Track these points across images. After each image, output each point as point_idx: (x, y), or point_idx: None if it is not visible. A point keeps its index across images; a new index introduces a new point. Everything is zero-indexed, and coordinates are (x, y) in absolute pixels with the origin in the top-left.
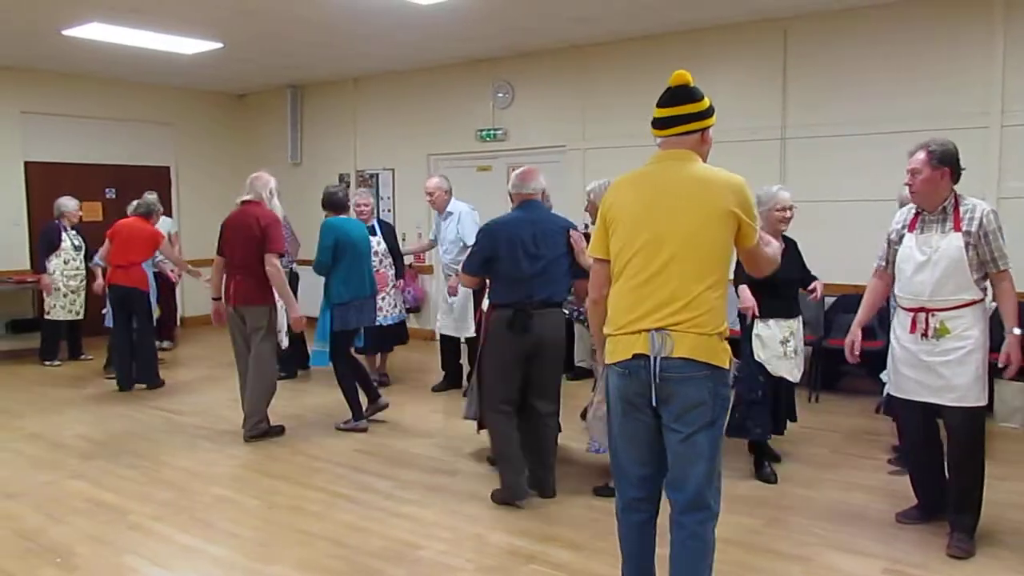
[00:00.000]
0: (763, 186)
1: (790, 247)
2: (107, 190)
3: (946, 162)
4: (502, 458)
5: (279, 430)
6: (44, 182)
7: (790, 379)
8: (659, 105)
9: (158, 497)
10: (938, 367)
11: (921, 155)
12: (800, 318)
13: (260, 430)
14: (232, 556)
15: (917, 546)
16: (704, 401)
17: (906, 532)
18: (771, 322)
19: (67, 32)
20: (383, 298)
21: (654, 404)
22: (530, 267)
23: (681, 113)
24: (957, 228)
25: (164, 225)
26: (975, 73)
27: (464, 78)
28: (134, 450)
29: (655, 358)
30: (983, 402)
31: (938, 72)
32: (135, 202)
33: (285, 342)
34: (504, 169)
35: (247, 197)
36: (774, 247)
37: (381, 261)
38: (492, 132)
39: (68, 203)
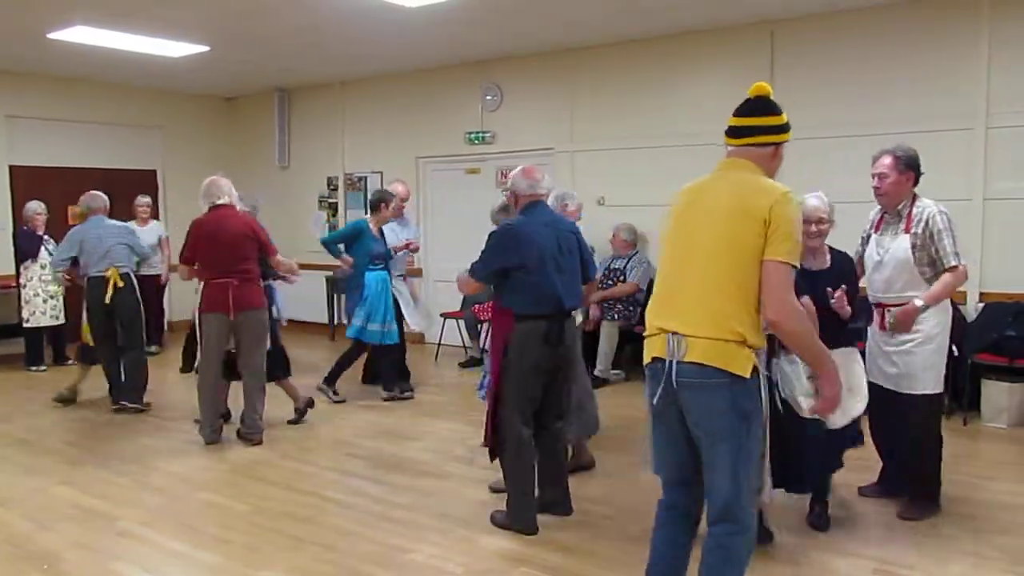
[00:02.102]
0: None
1: (836, 265)
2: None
3: (911, 167)
4: (521, 492)
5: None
6: (29, 186)
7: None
8: (735, 114)
9: (147, 503)
10: (893, 356)
11: (888, 160)
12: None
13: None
14: (222, 561)
15: (908, 547)
16: (722, 411)
17: (897, 533)
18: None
19: (52, 35)
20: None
21: (676, 407)
22: (559, 276)
23: (755, 124)
24: (907, 230)
25: (154, 230)
26: (961, 75)
27: (452, 81)
28: (122, 456)
29: (670, 362)
30: (936, 390)
31: (924, 74)
32: None
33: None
34: (493, 172)
35: (223, 201)
36: (804, 313)
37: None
38: (481, 135)
39: (29, 206)
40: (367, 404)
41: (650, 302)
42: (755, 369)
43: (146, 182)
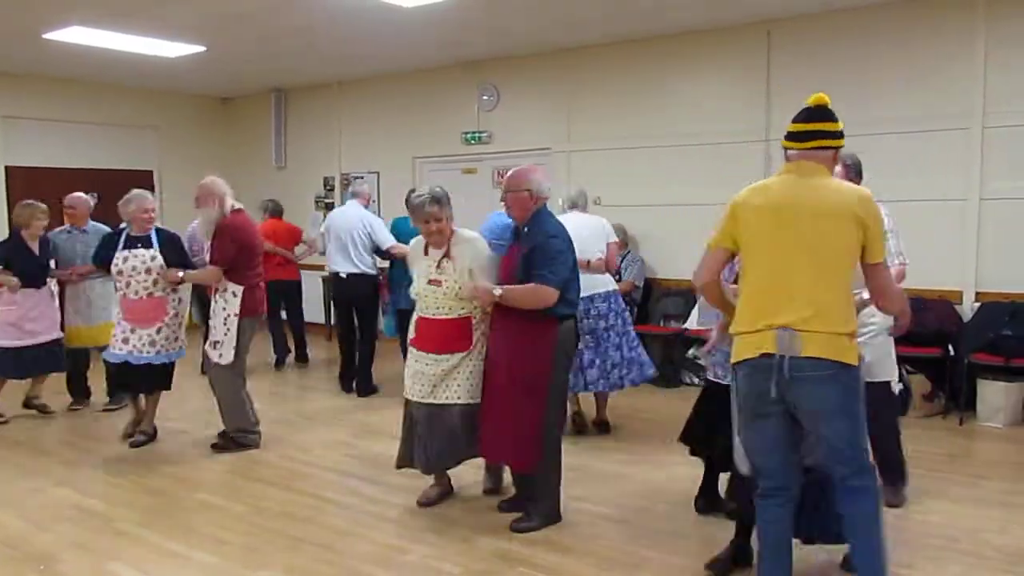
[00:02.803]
0: None
1: None
2: (90, 194)
3: (859, 173)
4: (557, 487)
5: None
6: (25, 186)
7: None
8: (797, 120)
9: (144, 504)
10: None
11: (839, 169)
12: None
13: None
14: (219, 562)
15: (906, 547)
16: (838, 398)
17: (892, 532)
18: None
19: (48, 36)
20: (159, 330)
21: (782, 399)
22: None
23: (819, 129)
24: None
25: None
26: (957, 75)
27: (449, 81)
28: (119, 456)
29: (783, 356)
30: (888, 378)
31: (920, 74)
32: None
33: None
34: (489, 172)
35: (240, 205)
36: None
37: (156, 283)
38: (477, 135)
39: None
40: (366, 404)
41: (746, 299)
42: (860, 357)
43: (142, 183)
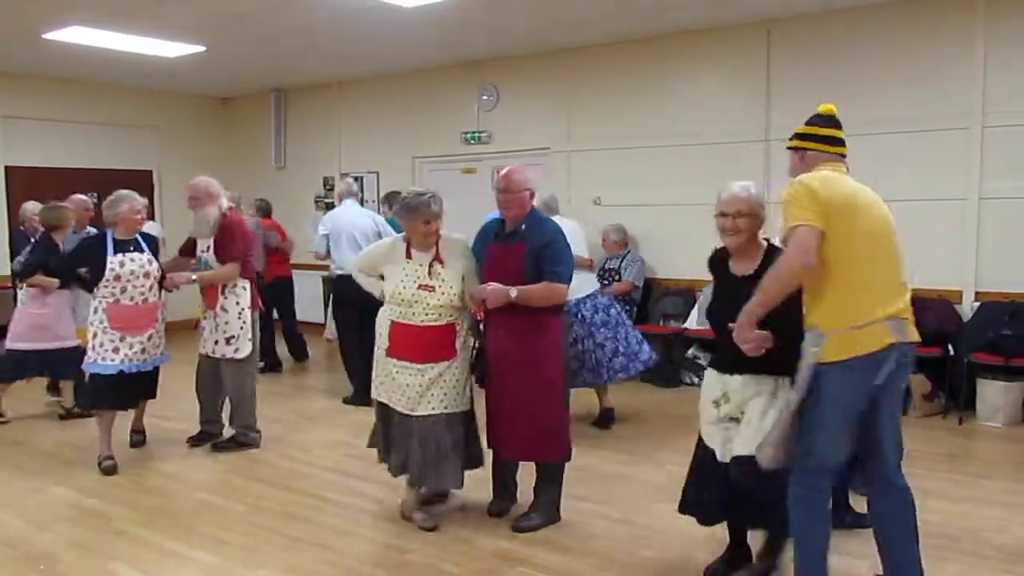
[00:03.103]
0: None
1: (765, 269)
2: (89, 194)
3: None
4: (556, 492)
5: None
6: (26, 187)
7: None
8: (838, 127)
9: (143, 503)
10: None
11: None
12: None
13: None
14: (219, 562)
15: None
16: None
17: None
18: (712, 372)
19: (48, 36)
20: (149, 336)
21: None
22: None
23: (842, 137)
24: None
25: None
26: (957, 75)
27: (449, 81)
28: (119, 456)
29: (900, 343)
30: None
31: (920, 74)
32: None
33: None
34: (489, 172)
35: (232, 204)
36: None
37: (151, 288)
38: (477, 135)
39: (27, 207)
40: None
41: (862, 292)
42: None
43: (142, 183)
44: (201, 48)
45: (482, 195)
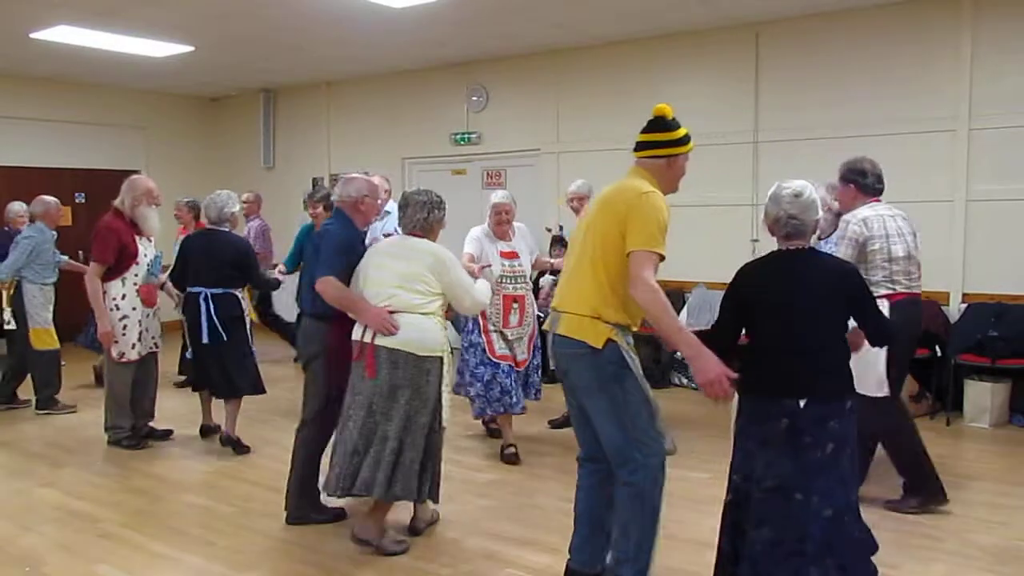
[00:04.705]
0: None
1: None
2: (76, 194)
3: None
4: None
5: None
6: (11, 187)
7: None
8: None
9: (130, 505)
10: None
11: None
12: None
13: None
14: (206, 564)
15: (892, 546)
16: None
17: (879, 533)
18: None
19: (35, 35)
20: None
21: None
22: None
23: (648, 140)
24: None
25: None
26: (944, 77)
27: (438, 81)
28: (105, 458)
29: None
30: (876, 394)
31: (908, 76)
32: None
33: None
34: (479, 173)
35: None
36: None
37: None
38: (466, 135)
39: (11, 207)
40: None
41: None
42: (606, 341)
43: None
44: (189, 48)
45: (472, 197)
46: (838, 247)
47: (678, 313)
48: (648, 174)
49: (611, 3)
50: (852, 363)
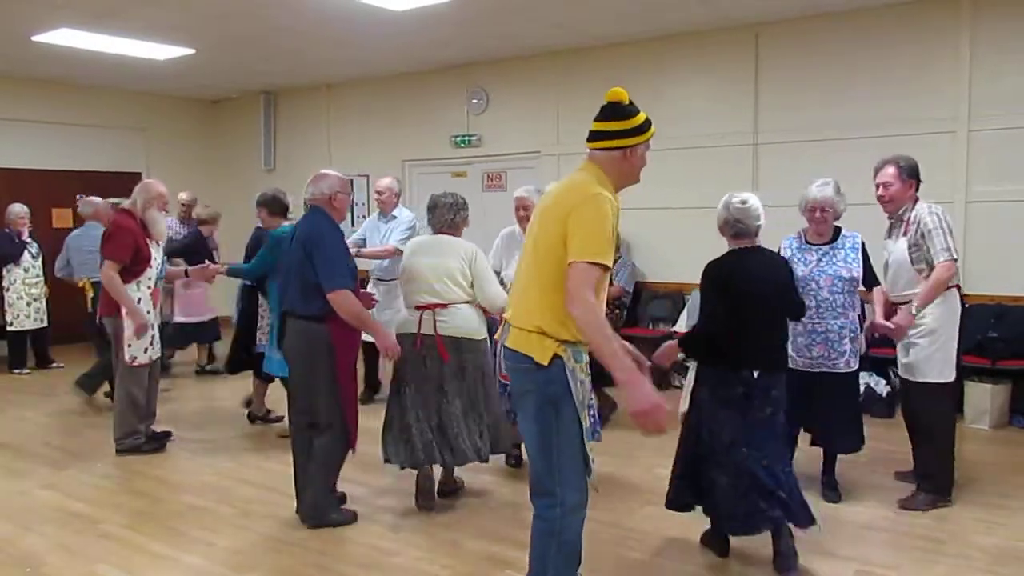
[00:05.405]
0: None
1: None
2: (78, 196)
3: (913, 175)
4: None
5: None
6: (12, 189)
7: None
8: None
9: (130, 506)
10: (901, 348)
11: (892, 169)
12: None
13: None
14: (206, 565)
15: (891, 548)
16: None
17: (878, 534)
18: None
19: (37, 38)
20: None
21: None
22: None
23: (602, 129)
24: (905, 233)
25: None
26: (943, 78)
27: (438, 84)
28: (105, 459)
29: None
30: (939, 379)
31: (907, 77)
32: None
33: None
34: (479, 175)
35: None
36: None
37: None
38: (467, 138)
39: (12, 209)
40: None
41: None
42: (552, 357)
43: (130, 186)
44: (190, 51)
45: (472, 198)
46: (936, 236)
47: (677, 315)
48: (600, 169)
49: (611, 3)
50: (917, 351)
